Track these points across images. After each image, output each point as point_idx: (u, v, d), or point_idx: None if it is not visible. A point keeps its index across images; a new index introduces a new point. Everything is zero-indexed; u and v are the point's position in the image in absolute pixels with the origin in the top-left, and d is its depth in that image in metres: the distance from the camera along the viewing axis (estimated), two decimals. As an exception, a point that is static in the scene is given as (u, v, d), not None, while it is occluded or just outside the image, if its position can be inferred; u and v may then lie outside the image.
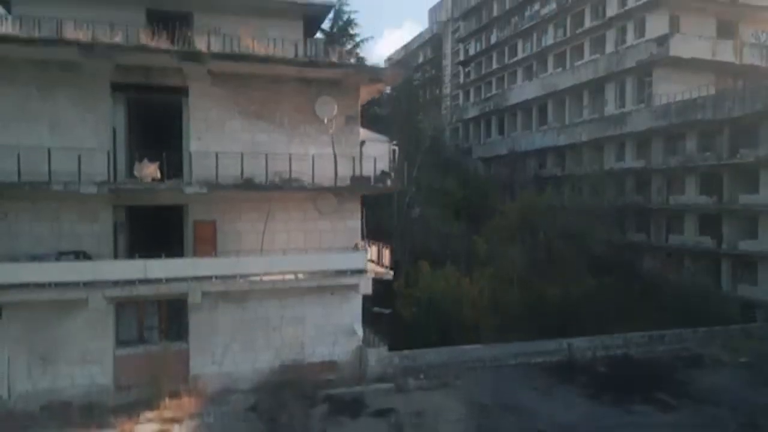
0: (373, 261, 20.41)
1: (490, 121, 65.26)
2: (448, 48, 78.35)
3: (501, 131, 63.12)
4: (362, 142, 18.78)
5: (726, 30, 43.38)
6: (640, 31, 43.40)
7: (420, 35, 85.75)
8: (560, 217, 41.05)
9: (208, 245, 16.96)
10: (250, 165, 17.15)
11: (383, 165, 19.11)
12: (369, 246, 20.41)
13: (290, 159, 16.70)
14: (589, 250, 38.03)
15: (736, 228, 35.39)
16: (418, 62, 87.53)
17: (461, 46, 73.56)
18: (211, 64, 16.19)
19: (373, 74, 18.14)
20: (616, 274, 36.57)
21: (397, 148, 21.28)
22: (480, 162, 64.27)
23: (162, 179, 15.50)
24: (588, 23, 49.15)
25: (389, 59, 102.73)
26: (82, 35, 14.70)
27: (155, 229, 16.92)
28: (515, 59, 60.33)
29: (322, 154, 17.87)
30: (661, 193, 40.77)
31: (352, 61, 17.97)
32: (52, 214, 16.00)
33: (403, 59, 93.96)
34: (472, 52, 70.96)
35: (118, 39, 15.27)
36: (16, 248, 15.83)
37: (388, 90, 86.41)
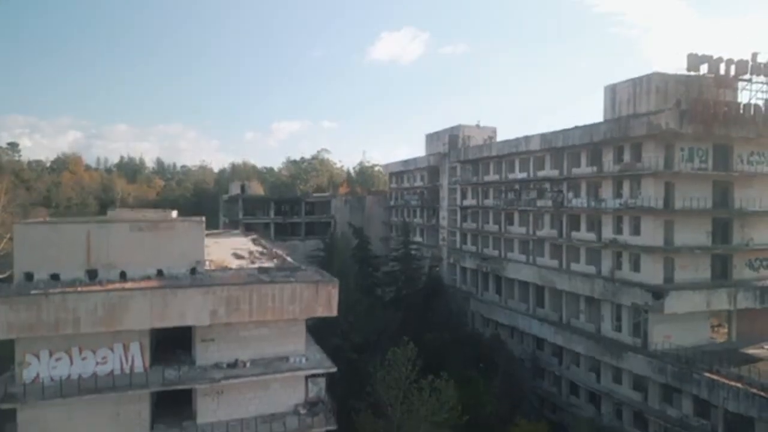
0: None
1: (488, 277, 65.42)
2: (444, 180, 78.57)
3: (498, 292, 63.22)
4: None
5: (721, 264, 43.78)
6: (635, 265, 43.59)
7: (416, 160, 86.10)
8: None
9: None
10: None
11: None
12: None
13: None
14: None
15: None
16: (415, 184, 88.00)
17: (458, 187, 73.79)
18: None
19: None
20: None
21: None
22: (481, 317, 64.66)
23: None
24: (584, 231, 49.34)
25: (387, 167, 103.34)
26: None
27: None
28: (511, 231, 60.48)
29: None
30: (660, 439, 40.77)
31: None
32: None
33: (402, 174, 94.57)
34: (469, 197, 71.17)
35: None
36: None
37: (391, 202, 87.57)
